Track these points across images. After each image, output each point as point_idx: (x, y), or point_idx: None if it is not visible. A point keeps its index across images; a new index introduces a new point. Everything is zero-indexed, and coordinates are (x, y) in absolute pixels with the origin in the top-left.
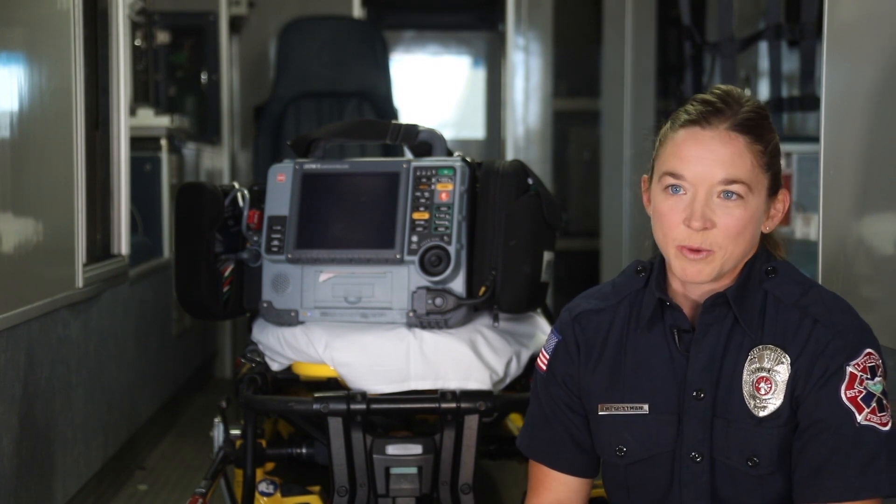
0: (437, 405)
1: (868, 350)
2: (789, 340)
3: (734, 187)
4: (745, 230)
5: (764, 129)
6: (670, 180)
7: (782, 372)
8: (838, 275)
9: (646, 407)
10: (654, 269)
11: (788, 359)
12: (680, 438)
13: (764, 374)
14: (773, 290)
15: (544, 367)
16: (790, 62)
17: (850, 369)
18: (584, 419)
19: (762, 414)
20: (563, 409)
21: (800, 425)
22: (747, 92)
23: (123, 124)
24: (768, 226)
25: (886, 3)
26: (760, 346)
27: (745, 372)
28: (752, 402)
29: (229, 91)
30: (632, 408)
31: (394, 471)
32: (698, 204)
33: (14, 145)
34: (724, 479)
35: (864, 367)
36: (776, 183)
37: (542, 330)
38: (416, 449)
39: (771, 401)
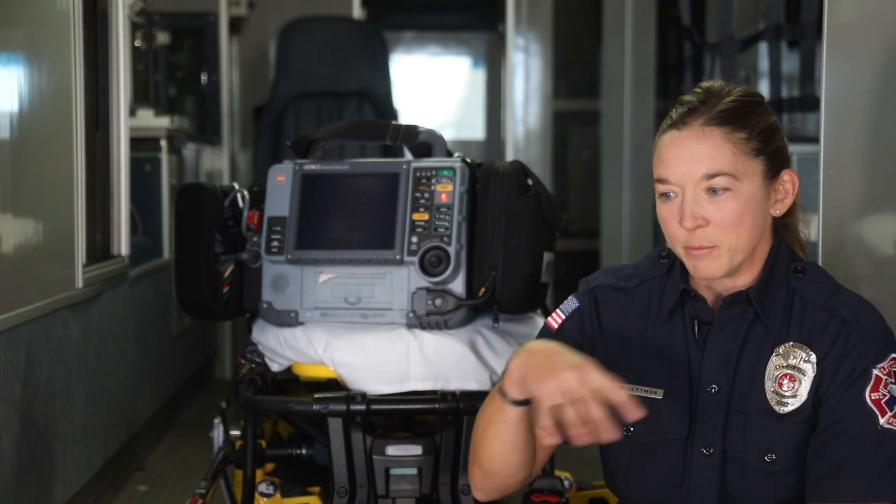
0: (436, 406)
1: (894, 355)
2: (816, 339)
3: (717, 181)
4: (741, 220)
5: (747, 115)
6: (660, 187)
7: (808, 370)
8: (838, 275)
9: (660, 392)
10: (678, 259)
11: (814, 357)
12: (692, 430)
13: (789, 371)
14: (800, 289)
15: (556, 326)
16: (790, 62)
17: (875, 372)
18: None
19: (784, 410)
20: None
21: (819, 424)
22: None
23: (123, 125)
24: (778, 209)
25: (886, 4)
26: (787, 344)
27: (769, 368)
28: (775, 399)
29: (229, 91)
30: (645, 391)
31: (394, 471)
32: (687, 204)
33: (14, 145)
34: (735, 473)
35: (890, 371)
36: (776, 164)
37: None
38: (416, 450)
39: (794, 398)
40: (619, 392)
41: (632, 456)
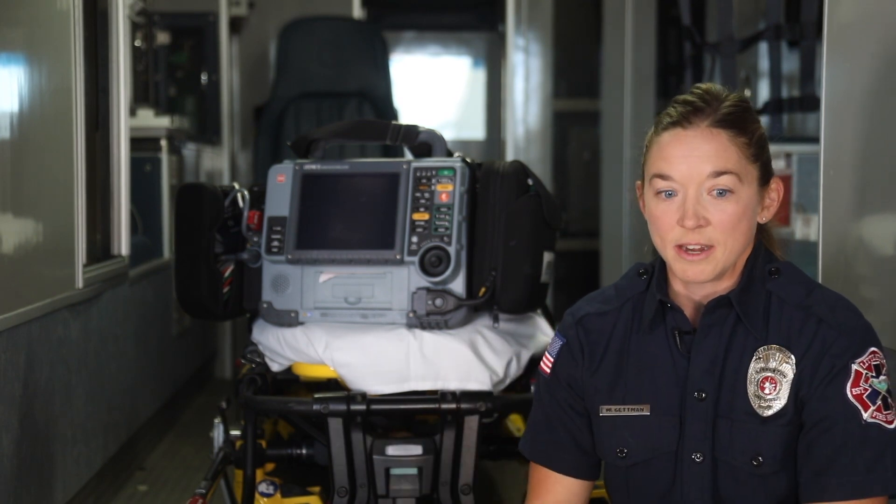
0: (437, 406)
1: (873, 349)
2: (794, 340)
3: (723, 179)
4: (739, 223)
5: (746, 121)
6: (660, 183)
7: (787, 372)
8: (838, 275)
9: (647, 408)
10: (655, 271)
11: (793, 358)
12: (681, 439)
13: (769, 373)
14: (777, 290)
15: (548, 371)
16: (790, 62)
17: (855, 367)
18: (586, 421)
19: (767, 413)
20: (567, 410)
21: (805, 424)
22: (747, 93)
23: (123, 125)
24: (764, 216)
25: (886, 4)
26: (766, 346)
27: (750, 371)
28: (758, 402)
29: (229, 91)
30: (633, 409)
31: (394, 471)
32: (690, 202)
33: (14, 145)
34: (727, 479)
35: (870, 365)
36: (766, 172)
37: (542, 331)
38: (416, 450)
39: (775, 400)
40: None
41: (629, 475)
